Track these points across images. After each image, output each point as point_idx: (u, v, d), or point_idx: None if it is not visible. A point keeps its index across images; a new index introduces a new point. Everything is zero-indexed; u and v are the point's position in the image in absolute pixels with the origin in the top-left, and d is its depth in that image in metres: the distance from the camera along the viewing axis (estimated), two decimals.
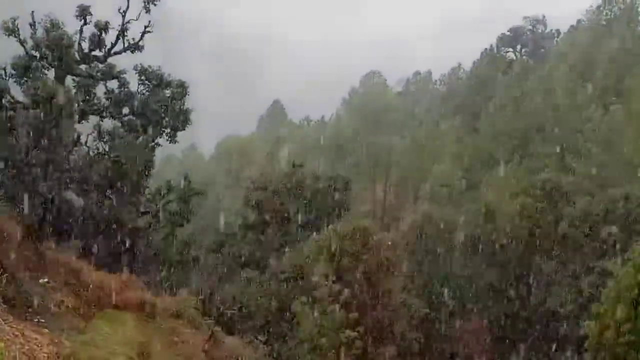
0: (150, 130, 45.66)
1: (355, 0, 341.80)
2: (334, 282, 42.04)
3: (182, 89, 46.32)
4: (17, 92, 42.79)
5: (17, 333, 24.12)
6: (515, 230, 68.12)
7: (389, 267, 47.10)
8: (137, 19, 43.32)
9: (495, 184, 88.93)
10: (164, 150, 51.02)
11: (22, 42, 41.81)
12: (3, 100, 43.15)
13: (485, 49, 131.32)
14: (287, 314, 42.53)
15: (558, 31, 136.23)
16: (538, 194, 69.23)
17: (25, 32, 41.75)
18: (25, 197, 39.66)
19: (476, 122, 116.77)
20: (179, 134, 47.60)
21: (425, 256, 66.78)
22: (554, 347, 60.54)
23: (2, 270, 28.16)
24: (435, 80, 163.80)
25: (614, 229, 60.54)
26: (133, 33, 43.79)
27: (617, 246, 56.11)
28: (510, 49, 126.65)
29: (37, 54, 42.14)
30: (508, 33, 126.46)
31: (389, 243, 50.88)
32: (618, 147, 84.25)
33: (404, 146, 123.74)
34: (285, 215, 58.98)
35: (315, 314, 39.95)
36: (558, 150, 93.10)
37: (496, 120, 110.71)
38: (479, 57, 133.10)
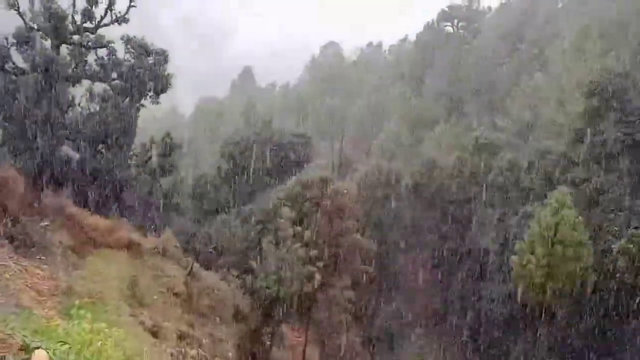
0: (135, 93, 45.37)
1: None
2: (296, 224, 42.15)
3: (163, 56, 46.06)
4: (18, 59, 42.28)
5: (21, 269, 23.99)
6: (452, 179, 68.75)
7: (344, 211, 47.33)
8: None
9: (436, 140, 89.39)
10: (148, 111, 50.47)
11: (21, 15, 41.05)
12: (6, 66, 42.49)
13: (427, 22, 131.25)
14: (257, 251, 42.58)
15: (490, 7, 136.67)
16: (472, 148, 69.79)
17: (23, 6, 40.99)
18: (27, 151, 39.26)
19: (420, 87, 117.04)
20: (161, 96, 47.40)
21: (375, 202, 67.16)
22: (485, 277, 61.59)
23: (7, 214, 27.90)
24: (385, 50, 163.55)
25: (535, 178, 61.29)
26: (119, 7, 43.11)
27: (538, 192, 56.86)
28: (449, 23, 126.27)
29: (35, 26, 41.42)
30: (447, 9, 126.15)
31: (345, 191, 51.11)
32: (540, 109, 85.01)
33: (357, 108, 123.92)
34: (255, 166, 58.84)
35: (281, 251, 40.08)
36: (489, 111, 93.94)
37: (437, 85, 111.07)
38: (422, 30, 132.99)
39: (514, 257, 48.92)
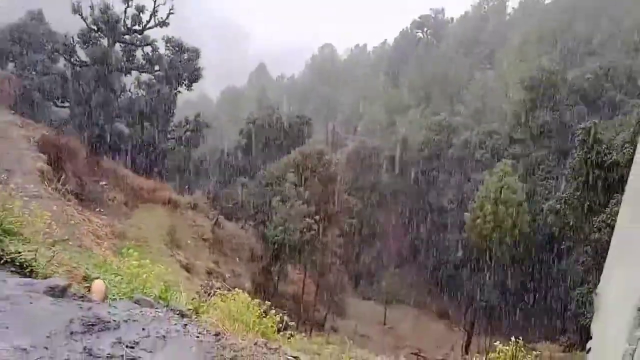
0: (173, 82, 45.27)
1: None
2: (298, 186, 42.08)
3: (195, 53, 45.93)
4: (81, 54, 42.06)
5: (84, 218, 23.92)
6: (421, 153, 68.65)
7: (335, 177, 47.26)
8: (164, 3, 42.42)
9: (408, 122, 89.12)
10: (183, 96, 50.27)
11: (84, 19, 40.76)
12: (72, 60, 42.15)
13: (402, 29, 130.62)
14: (268, 207, 42.52)
15: (452, 18, 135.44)
16: (436, 129, 69.53)
17: (86, 11, 40.69)
18: (89, 125, 39.11)
19: (396, 81, 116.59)
20: (194, 85, 47.34)
21: (360, 170, 67.16)
22: (445, 229, 61.91)
23: (74, 175, 27.75)
24: (369, 51, 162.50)
25: (485, 153, 61.23)
26: (161, 13, 42.91)
27: (487, 163, 56.87)
28: (420, 31, 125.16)
29: (95, 27, 41.05)
30: (418, 19, 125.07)
31: (336, 161, 51.07)
32: (489, 98, 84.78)
33: (347, 96, 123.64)
34: (267, 141, 58.64)
35: (286, 207, 40.05)
36: (450, 100, 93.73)
37: (409, 79, 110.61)
38: (399, 35, 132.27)
39: (467, 214, 48.94)
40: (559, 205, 39.00)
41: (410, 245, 67.74)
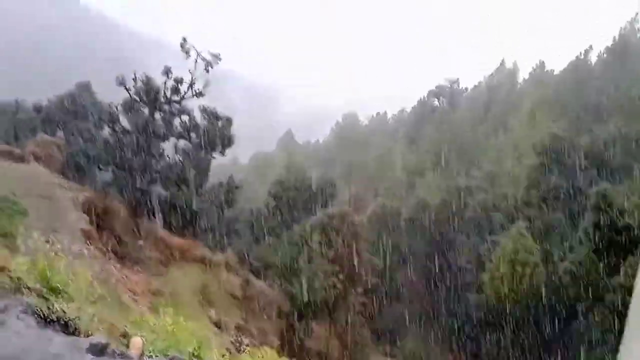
0: (208, 148, 46.00)
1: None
2: (323, 246, 41.91)
3: (228, 121, 46.81)
4: (124, 122, 43.22)
5: (123, 276, 24.02)
6: (437, 215, 68.09)
7: (359, 237, 47.01)
8: (201, 77, 43.54)
9: (426, 184, 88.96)
10: (217, 160, 51.03)
11: (127, 90, 42.02)
12: (115, 127, 43.32)
13: (420, 98, 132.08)
14: (294, 265, 42.30)
15: (466, 88, 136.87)
16: (453, 191, 69.22)
17: (129, 83, 42.03)
18: (129, 188, 39.77)
19: (414, 146, 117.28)
20: (226, 150, 48.07)
21: (381, 230, 66.69)
22: (463, 288, 60.66)
23: (114, 234, 28.03)
24: (389, 118, 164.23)
25: (500, 214, 60.61)
26: (198, 84, 44.02)
27: (503, 225, 56.18)
28: (436, 99, 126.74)
29: (137, 98, 42.29)
30: (435, 89, 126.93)
31: (359, 222, 50.93)
32: (502, 162, 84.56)
33: (368, 160, 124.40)
34: (293, 203, 58.85)
35: (312, 266, 39.80)
36: (465, 163, 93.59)
37: (426, 144, 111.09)
38: (416, 104, 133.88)
39: (484, 274, 48.12)
40: (574, 267, 38.20)
41: (431, 304, 66.25)
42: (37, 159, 36.17)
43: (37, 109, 52.13)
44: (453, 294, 62.42)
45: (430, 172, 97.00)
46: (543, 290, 45.40)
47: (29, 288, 6.09)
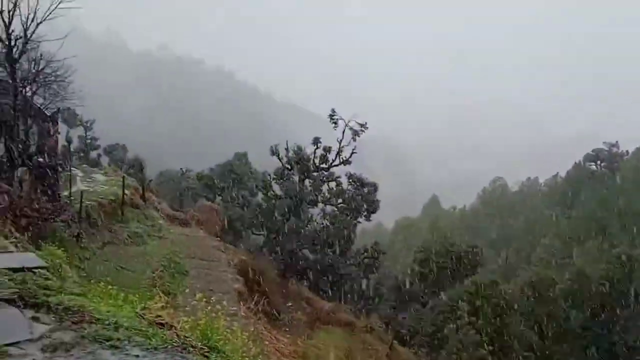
0: (354, 213, 46.73)
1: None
2: (471, 315, 40.01)
3: (373, 187, 47.38)
4: (276, 189, 45.58)
5: (272, 337, 24.65)
6: (599, 286, 62.12)
7: (509, 308, 44.30)
8: (347, 144, 44.78)
9: (585, 254, 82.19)
10: (362, 225, 51.58)
11: (279, 159, 44.53)
12: (268, 193, 45.80)
13: (575, 162, 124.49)
14: (441, 334, 40.67)
15: (627, 151, 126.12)
16: (616, 262, 63.10)
17: (282, 153, 44.56)
18: (279, 251, 41.38)
19: (569, 212, 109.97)
20: (371, 215, 48.44)
21: (535, 301, 62.16)
22: None
23: (265, 295, 29.02)
24: (541, 183, 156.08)
25: None
26: (345, 152, 45.33)
27: None
28: (593, 163, 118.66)
29: (289, 166, 44.55)
30: (592, 152, 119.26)
31: (510, 291, 48.13)
32: None
33: (518, 227, 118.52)
34: (439, 269, 57.24)
35: (459, 336, 38.00)
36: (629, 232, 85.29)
37: (584, 211, 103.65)
38: (571, 168, 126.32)
39: None
40: None
41: None
42: (198, 222, 39.17)
43: (200, 177, 57.12)
44: None
45: (589, 240, 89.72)
46: None
47: (192, 346, 6.42)
